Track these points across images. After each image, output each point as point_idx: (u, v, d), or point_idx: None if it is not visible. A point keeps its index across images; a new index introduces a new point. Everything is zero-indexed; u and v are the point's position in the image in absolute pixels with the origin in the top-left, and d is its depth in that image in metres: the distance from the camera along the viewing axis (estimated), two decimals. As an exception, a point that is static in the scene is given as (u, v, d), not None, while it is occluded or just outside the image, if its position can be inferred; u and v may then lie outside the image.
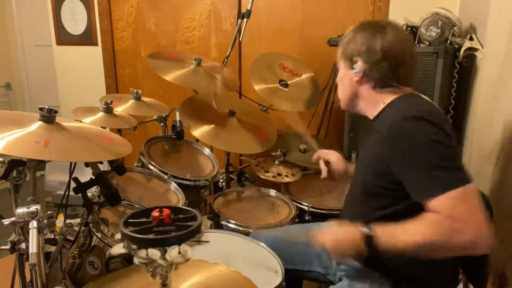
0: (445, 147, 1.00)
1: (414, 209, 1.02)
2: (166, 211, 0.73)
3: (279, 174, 1.87)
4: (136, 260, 0.71)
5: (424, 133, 1.01)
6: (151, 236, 0.71)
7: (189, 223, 0.73)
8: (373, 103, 1.20)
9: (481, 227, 0.94)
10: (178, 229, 0.72)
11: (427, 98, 1.20)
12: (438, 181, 0.98)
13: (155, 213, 0.72)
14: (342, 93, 1.28)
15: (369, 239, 1.01)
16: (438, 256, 1.03)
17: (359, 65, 1.17)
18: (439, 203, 0.97)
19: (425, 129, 1.01)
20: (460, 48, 1.90)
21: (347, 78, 1.23)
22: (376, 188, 1.13)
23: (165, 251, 0.73)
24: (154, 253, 0.72)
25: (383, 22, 1.20)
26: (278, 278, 1.16)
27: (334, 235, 1.08)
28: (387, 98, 1.17)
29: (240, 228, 1.55)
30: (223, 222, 1.60)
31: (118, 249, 0.73)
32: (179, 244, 0.72)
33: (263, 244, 1.32)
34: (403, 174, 1.04)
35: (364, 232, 1.02)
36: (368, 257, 1.09)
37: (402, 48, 1.15)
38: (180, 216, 0.75)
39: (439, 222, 0.96)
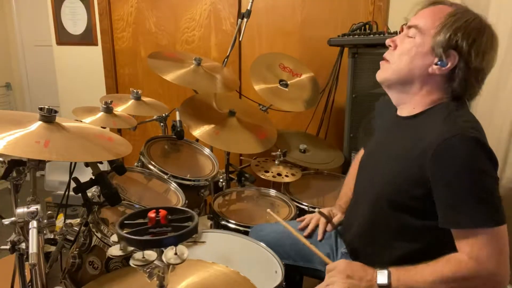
0: (493, 180, 0.95)
1: (433, 234, 1.01)
2: (163, 212, 0.72)
3: (279, 174, 1.87)
4: (132, 263, 0.71)
5: (480, 161, 0.93)
6: (147, 237, 0.70)
7: (185, 224, 0.73)
8: (424, 101, 1.07)
9: (503, 272, 0.93)
10: (175, 229, 0.71)
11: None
12: (474, 213, 0.92)
13: (151, 214, 0.72)
14: (401, 68, 1.06)
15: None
16: None
17: (451, 61, 1.00)
18: (466, 236, 0.94)
19: (481, 157, 0.93)
20: (460, 48, 1.89)
21: (423, 60, 1.03)
22: (395, 196, 1.05)
23: (162, 252, 0.73)
24: (151, 254, 0.72)
25: (485, 20, 1.02)
26: (278, 278, 1.16)
27: (350, 276, 1.02)
28: (439, 98, 1.06)
29: (240, 228, 1.55)
30: (223, 222, 1.60)
31: (115, 250, 0.73)
32: (176, 245, 0.71)
33: (263, 244, 1.32)
34: (440, 195, 0.96)
35: (381, 284, 0.98)
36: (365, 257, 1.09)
37: (493, 63, 1.02)
38: (177, 216, 0.75)
39: (462, 262, 0.94)
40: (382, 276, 0.99)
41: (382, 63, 1.13)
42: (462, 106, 1.05)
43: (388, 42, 1.11)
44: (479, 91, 1.05)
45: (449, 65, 1.01)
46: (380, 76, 1.12)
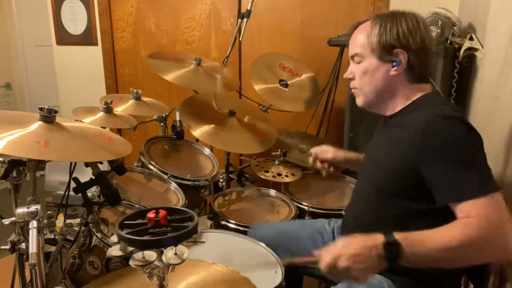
0: (481, 152, 0.99)
1: (431, 217, 1.01)
2: (162, 212, 0.72)
3: (279, 174, 1.87)
4: (131, 263, 0.71)
5: (464, 135, 0.98)
6: (147, 237, 0.70)
7: (185, 224, 0.73)
8: (403, 99, 1.16)
9: (510, 236, 0.90)
10: (174, 230, 0.71)
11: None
12: (470, 185, 0.94)
13: (151, 214, 0.72)
14: (369, 89, 1.17)
15: (391, 248, 0.88)
16: (465, 263, 0.93)
17: (402, 57, 1.11)
18: (467, 208, 0.93)
19: (464, 132, 0.98)
20: (460, 48, 1.90)
21: (380, 72, 1.14)
22: (393, 188, 1.09)
23: (162, 252, 0.73)
24: (151, 254, 0.72)
25: (400, 11, 1.15)
26: (278, 278, 1.16)
27: (349, 248, 0.91)
28: (416, 93, 1.14)
29: (240, 228, 1.55)
30: (223, 222, 1.60)
31: (115, 251, 0.73)
32: (175, 245, 0.71)
33: (263, 244, 1.32)
34: (432, 174, 0.99)
35: (386, 239, 0.89)
36: None
37: (431, 35, 1.14)
38: (176, 216, 0.75)
39: (474, 222, 0.90)
40: (384, 236, 0.91)
41: (353, 91, 1.24)
42: (442, 98, 1.16)
43: (346, 76, 1.24)
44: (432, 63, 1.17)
45: (403, 61, 1.11)
46: (359, 102, 1.23)
